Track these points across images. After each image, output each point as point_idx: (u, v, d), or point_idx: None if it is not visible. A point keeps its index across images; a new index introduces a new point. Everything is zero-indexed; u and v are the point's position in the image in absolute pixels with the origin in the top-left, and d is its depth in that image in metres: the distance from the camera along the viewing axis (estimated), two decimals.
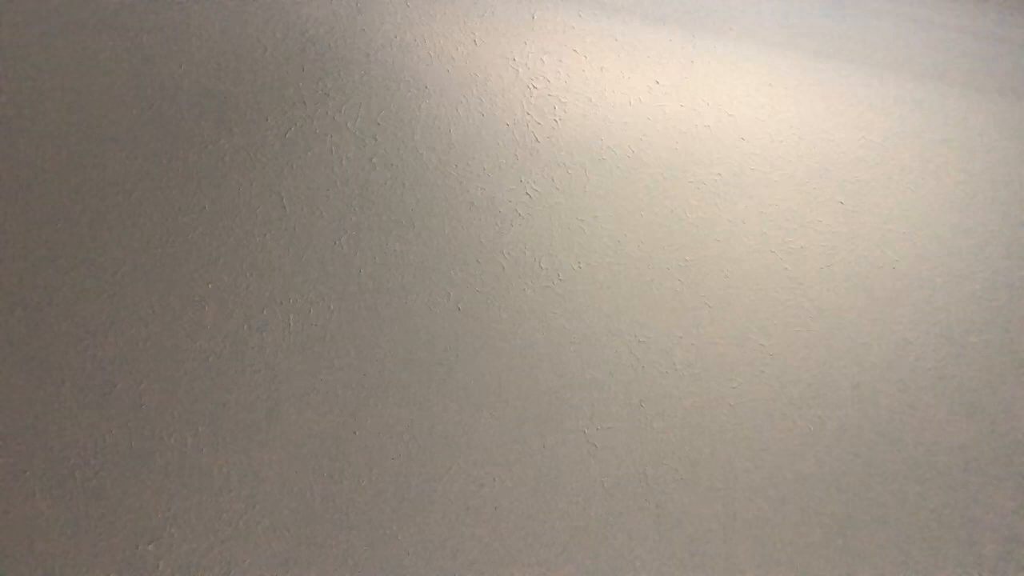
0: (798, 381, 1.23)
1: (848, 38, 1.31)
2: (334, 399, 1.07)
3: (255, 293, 1.05)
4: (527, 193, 1.16)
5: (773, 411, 1.22)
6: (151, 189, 1.03)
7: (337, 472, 1.05)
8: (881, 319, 1.27)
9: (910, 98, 1.32)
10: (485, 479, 1.10)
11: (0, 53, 1.01)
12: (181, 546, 1.00)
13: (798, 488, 1.21)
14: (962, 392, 1.28)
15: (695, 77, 1.23)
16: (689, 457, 1.18)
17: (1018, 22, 1.35)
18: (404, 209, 1.11)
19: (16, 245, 0.99)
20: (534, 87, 1.17)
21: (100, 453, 0.99)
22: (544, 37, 1.18)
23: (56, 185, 1.01)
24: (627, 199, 1.19)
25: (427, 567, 1.06)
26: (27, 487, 0.97)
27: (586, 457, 1.14)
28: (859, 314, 1.26)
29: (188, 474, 1.01)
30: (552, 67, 1.18)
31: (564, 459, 1.13)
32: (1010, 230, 1.33)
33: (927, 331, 1.28)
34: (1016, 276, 1.33)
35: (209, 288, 1.04)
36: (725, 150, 1.24)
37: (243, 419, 1.03)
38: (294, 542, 1.04)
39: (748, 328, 1.22)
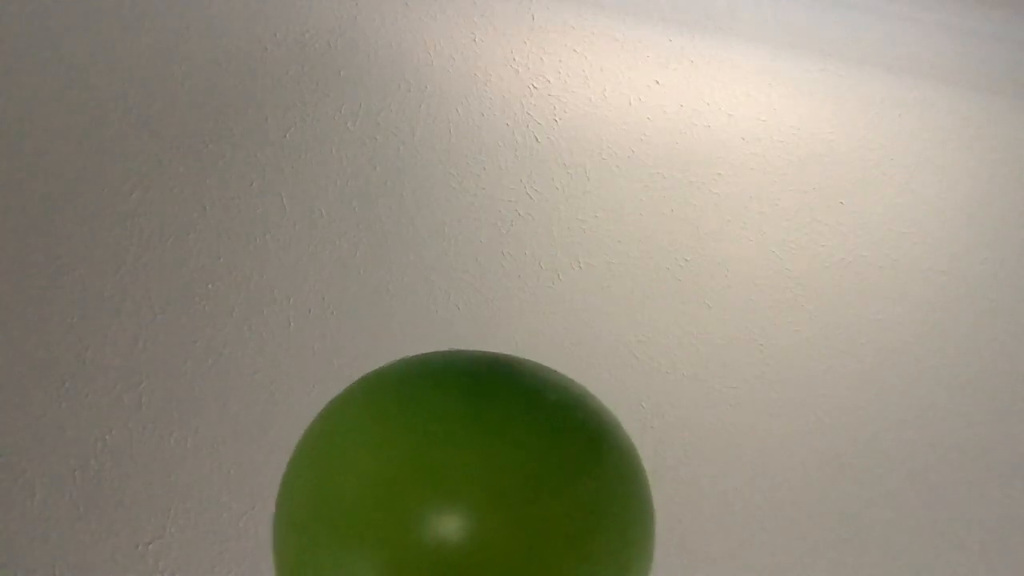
0: (798, 381, 1.23)
1: (848, 38, 1.31)
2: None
3: (255, 293, 1.05)
4: (527, 193, 1.16)
5: (773, 411, 1.22)
6: (151, 189, 1.03)
7: None
8: (881, 319, 1.27)
9: (910, 98, 1.32)
10: None
11: None
12: (181, 546, 1.00)
13: (798, 488, 1.21)
14: (964, 392, 1.28)
15: (695, 77, 1.23)
16: (689, 457, 1.18)
17: (1018, 22, 1.35)
18: (404, 209, 1.11)
19: (16, 245, 0.99)
20: (534, 87, 1.17)
21: (100, 453, 0.99)
22: (544, 37, 1.18)
23: (55, 185, 1.01)
24: (627, 199, 1.19)
25: None
26: (27, 487, 0.97)
27: None
28: (859, 314, 1.26)
29: (188, 474, 1.01)
30: (552, 67, 1.18)
31: None
32: (1011, 230, 1.33)
33: (928, 331, 1.28)
34: (1019, 276, 1.33)
35: (209, 288, 1.04)
36: (725, 150, 1.24)
37: (243, 419, 1.03)
38: None
39: (748, 328, 1.22)
